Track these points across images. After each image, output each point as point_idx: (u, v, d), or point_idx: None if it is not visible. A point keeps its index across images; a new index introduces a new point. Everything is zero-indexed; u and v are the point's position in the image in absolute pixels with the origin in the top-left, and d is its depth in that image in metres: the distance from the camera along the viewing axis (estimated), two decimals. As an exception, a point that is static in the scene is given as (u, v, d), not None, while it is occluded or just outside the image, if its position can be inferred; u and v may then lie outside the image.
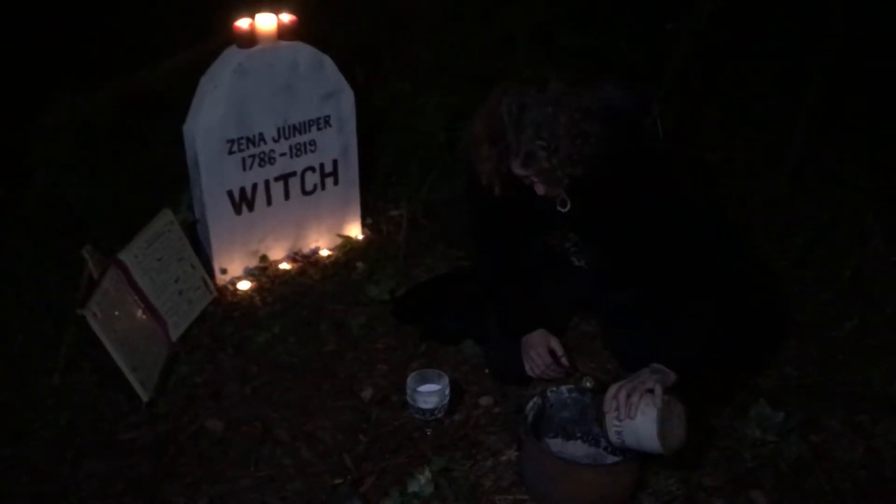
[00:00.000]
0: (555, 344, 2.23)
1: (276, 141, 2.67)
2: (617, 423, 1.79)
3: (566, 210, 2.16)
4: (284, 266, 2.83)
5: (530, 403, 1.93)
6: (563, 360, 2.22)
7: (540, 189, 2.03)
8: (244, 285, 2.73)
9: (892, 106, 3.35)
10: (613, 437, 1.81)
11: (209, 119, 2.52)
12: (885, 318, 2.49)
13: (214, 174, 2.59)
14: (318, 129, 2.74)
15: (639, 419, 1.77)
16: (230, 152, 2.59)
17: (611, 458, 1.94)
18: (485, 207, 2.30)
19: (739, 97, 3.54)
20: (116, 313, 2.23)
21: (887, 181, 3.09)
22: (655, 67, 3.53)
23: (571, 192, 2.10)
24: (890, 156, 3.22)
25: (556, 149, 1.89)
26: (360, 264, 2.82)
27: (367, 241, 2.97)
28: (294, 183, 2.77)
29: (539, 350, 2.21)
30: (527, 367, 2.23)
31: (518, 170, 1.98)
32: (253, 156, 2.63)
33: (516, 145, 1.93)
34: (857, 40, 3.19)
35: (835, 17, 3.08)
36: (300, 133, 2.71)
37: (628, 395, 1.79)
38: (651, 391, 1.79)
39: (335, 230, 2.94)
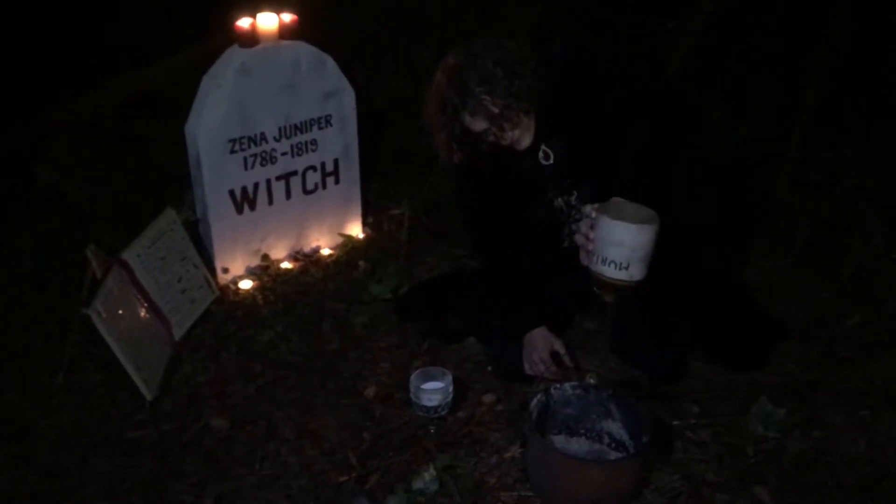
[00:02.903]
0: (557, 345, 2.23)
1: (277, 140, 2.67)
2: (595, 257, 1.72)
3: (551, 162, 2.18)
4: (286, 265, 2.83)
5: (534, 400, 1.93)
6: (566, 360, 2.22)
7: (503, 137, 2.09)
8: (246, 284, 2.73)
9: (893, 104, 3.36)
10: (610, 270, 1.70)
11: (211, 118, 2.53)
12: (886, 316, 2.49)
13: (216, 173, 2.59)
14: (320, 128, 2.75)
15: (597, 236, 1.71)
16: (232, 151, 2.59)
17: (614, 455, 1.95)
18: (476, 202, 2.32)
19: (739, 96, 3.55)
20: (120, 312, 2.24)
21: (887, 179, 3.10)
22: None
23: (547, 141, 2.16)
24: (890, 154, 3.23)
25: (493, 90, 2.02)
26: (361, 263, 2.82)
27: (369, 239, 2.98)
28: (295, 182, 2.78)
29: (541, 352, 2.22)
30: (526, 367, 2.24)
31: (471, 125, 2.08)
32: (255, 155, 2.64)
33: (461, 102, 2.05)
34: (857, 38, 3.20)
35: (835, 15, 3.10)
36: (301, 132, 2.72)
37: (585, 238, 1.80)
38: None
39: (336, 229, 2.94)
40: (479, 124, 2.08)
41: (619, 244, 1.69)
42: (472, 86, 2.03)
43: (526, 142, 2.14)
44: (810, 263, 2.75)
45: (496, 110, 2.04)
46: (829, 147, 3.32)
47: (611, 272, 1.71)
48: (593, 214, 1.77)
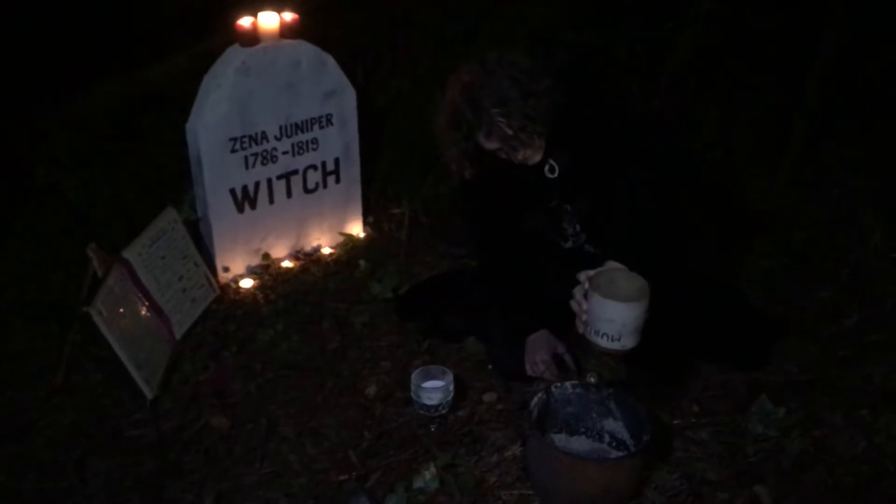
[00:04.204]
0: (559, 347, 2.23)
1: (278, 139, 2.67)
2: (588, 328, 1.75)
3: (555, 175, 2.18)
4: (287, 264, 2.84)
5: (535, 399, 1.93)
6: (568, 362, 2.22)
7: (515, 156, 2.10)
8: (247, 283, 2.73)
9: (891, 102, 3.37)
10: (603, 341, 1.73)
11: (212, 117, 2.53)
12: (885, 315, 2.50)
13: (217, 172, 2.60)
14: (320, 127, 2.75)
15: (589, 310, 1.74)
16: (233, 150, 2.59)
17: (615, 454, 1.96)
18: (479, 206, 2.33)
19: (738, 95, 3.55)
20: (121, 311, 2.24)
21: (886, 178, 3.11)
22: (655, 65, 3.54)
23: (553, 155, 2.16)
24: (889, 152, 3.23)
25: (509, 113, 2.01)
26: (362, 262, 2.82)
27: (369, 239, 2.98)
28: (296, 181, 2.78)
29: (542, 355, 2.22)
30: (527, 369, 2.24)
31: (486, 144, 2.07)
32: (255, 154, 2.64)
33: (476, 121, 2.04)
34: (856, 37, 3.20)
35: (834, 14, 3.10)
36: (302, 131, 2.72)
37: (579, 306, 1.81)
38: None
39: (337, 228, 2.95)
40: (492, 144, 2.08)
41: (610, 320, 1.72)
42: (488, 106, 2.01)
43: (536, 159, 2.15)
44: (809, 263, 2.76)
45: (510, 132, 2.03)
46: (829, 144, 3.33)
47: (604, 343, 1.75)
48: (587, 284, 1.79)
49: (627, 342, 1.73)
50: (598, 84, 2.20)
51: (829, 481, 1.94)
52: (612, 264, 1.85)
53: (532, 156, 2.13)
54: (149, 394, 2.20)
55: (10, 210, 3.03)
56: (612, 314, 1.71)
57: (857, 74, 3.42)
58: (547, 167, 2.17)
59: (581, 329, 1.81)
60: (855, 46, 3.28)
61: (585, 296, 1.79)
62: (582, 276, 1.84)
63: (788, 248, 2.83)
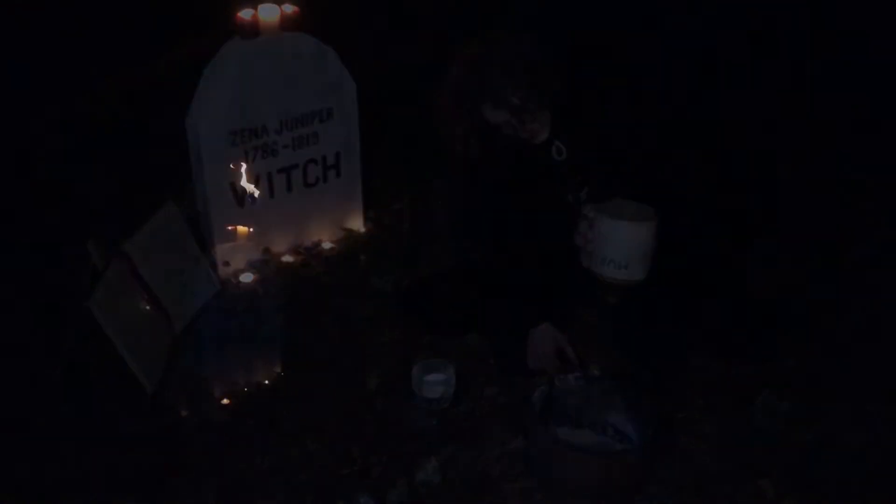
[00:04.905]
0: (562, 342, 2.22)
1: (278, 133, 2.66)
2: (594, 258, 1.72)
3: (563, 158, 2.17)
4: (287, 259, 2.82)
5: (537, 392, 1.93)
6: (571, 356, 2.21)
7: (522, 129, 2.09)
8: (247, 278, 2.72)
9: (893, 98, 3.36)
10: (609, 269, 1.70)
11: (212, 111, 2.52)
12: (890, 309, 2.48)
13: (217, 166, 2.58)
14: (321, 120, 2.74)
15: (595, 236, 1.72)
16: (233, 144, 2.58)
17: (618, 447, 1.95)
18: (486, 198, 2.32)
19: (740, 93, 3.54)
20: (121, 305, 2.23)
21: (890, 173, 3.10)
22: (655, 64, 3.52)
23: (560, 136, 2.15)
24: (892, 147, 3.22)
25: (515, 81, 2.01)
26: (363, 257, 2.81)
27: (370, 233, 2.97)
28: (296, 175, 2.76)
29: (545, 348, 2.21)
30: (529, 362, 2.23)
31: (493, 117, 2.07)
32: (255, 148, 2.63)
33: (481, 94, 2.04)
34: (856, 35, 3.20)
35: (837, 14, 3.10)
36: (302, 125, 2.70)
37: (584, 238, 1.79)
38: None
39: (338, 223, 2.93)
40: (499, 116, 2.08)
41: (617, 243, 1.69)
42: (493, 76, 2.02)
43: (543, 135, 2.14)
44: (813, 257, 2.75)
45: (517, 101, 2.03)
46: (831, 141, 3.32)
47: (610, 271, 1.71)
48: (591, 215, 1.77)
49: (634, 271, 1.69)
50: (601, 69, 2.18)
51: (833, 475, 1.93)
52: (617, 199, 1.83)
53: (539, 131, 2.12)
54: (149, 388, 2.19)
55: (10, 206, 3.01)
56: (620, 235, 1.68)
57: (861, 69, 3.41)
58: (554, 149, 2.16)
59: (586, 263, 1.78)
60: (855, 44, 3.28)
61: (590, 228, 1.76)
62: (586, 208, 1.82)
63: (791, 242, 2.81)
